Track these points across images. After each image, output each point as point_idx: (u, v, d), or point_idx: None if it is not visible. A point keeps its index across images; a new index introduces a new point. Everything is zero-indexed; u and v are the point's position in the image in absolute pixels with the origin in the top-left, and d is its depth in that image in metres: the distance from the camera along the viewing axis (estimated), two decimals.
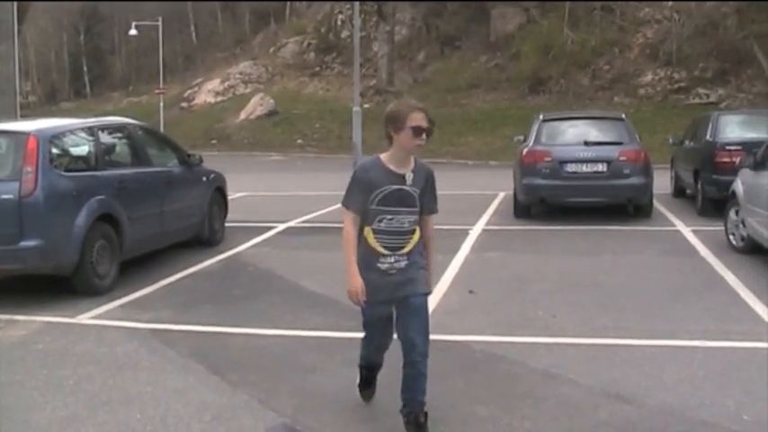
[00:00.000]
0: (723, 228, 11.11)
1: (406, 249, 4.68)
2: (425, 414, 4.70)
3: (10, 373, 6.22)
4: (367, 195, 4.61)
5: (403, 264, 4.67)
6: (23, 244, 8.04)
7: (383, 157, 4.69)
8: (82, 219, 8.49)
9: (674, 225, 13.20)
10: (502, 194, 17.42)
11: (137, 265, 9.87)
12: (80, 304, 8.28)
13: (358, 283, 4.58)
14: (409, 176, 4.67)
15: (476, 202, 16.64)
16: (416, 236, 4.72)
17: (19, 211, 8.02)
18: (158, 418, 5.25)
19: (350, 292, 4.61)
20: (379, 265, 4.66)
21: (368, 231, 4.65)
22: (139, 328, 7.47)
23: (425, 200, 4.76)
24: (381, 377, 5.92)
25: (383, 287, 4.66)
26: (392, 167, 4.64)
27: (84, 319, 7.83)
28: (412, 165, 4.72)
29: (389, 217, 4.62)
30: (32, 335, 7.28)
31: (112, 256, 9.01)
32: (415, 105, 4.67)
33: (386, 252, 4.65)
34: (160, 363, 6.45)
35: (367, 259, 4.66)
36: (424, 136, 4.59)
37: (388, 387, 5.78)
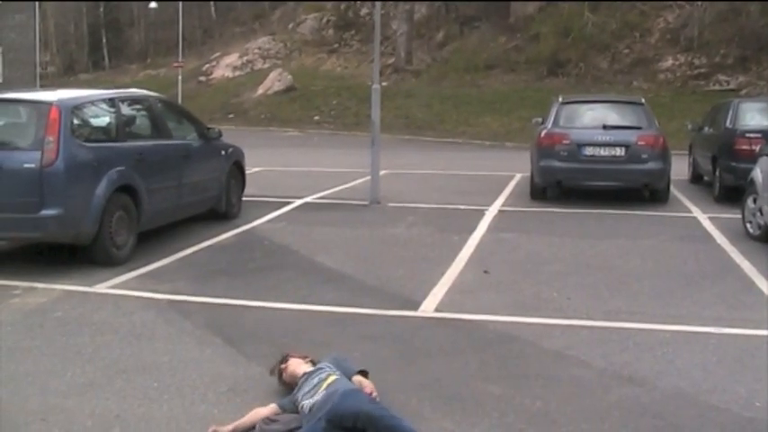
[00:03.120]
0: (740, 215, 11.09)
1: None
2: None
3: (29, 340, 6.32)
4: None
5: None
6: (44, 213, 8.10)
7: None
8: (101, 189, 8.54)
9: (690, 211, 13.18)
10: (518, 176, 17.43)
11: (154, 237, 9.95)
12: (98, 274, 8.35)
13: None
14: None
15: (492, 182, 16.65)
16: None
17: (40, 180, 8.09)
18: (175, 387, 5.33)
19: None
20: None
21: None
22: (156, 298, 7.54)
23: None
24: (388, 351, 6.02)
25: None
26: None
27: (102, 288, 7.91)
28: None
29: None
30: (51, 303, 7.36)
31: (130, 227, 9.08)
32: None
33: None
34: (176, 333, 6.53)
35: None
36: None
37: (398, 363, 5.86)
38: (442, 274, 8.61)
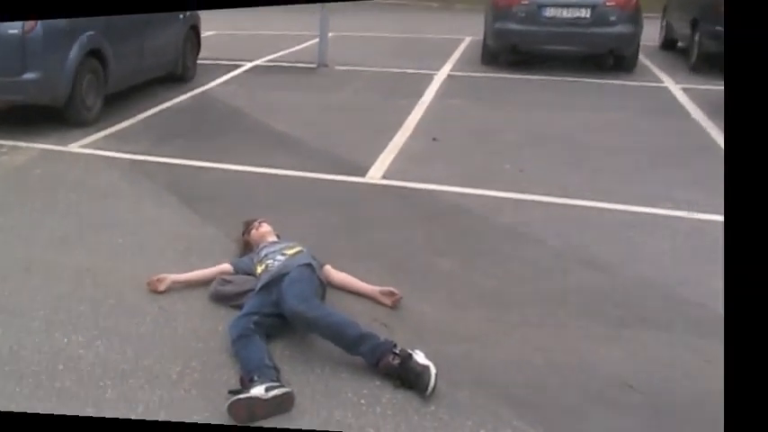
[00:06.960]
0: (720, 87, 9.01)
1: None
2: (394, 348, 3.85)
3: (16, 195, 6.79)
4: None
5: None
6: (26, 76, 8.45)
7: None
8: (74, 53, 8.81)
9: (661, 81, 12.10)
10: (468, 39, 16.76)
11: (118, 100, 10.13)
12: (71, 134, 8.73)
13: None
14: None
15: (440, 46, 15.99)
16: None
17: (23, 45, 8.37)
18: (137, 244, 5.54)
19: None
20: None
21: None
22: (121, 158, 7.84)
23: None
24: (336, 218, 6.15)
25: None
26: None
27: (75, 147, 8.27)
28: None
29: None
30: (31, 161, 7.76)
31: (98, 89, 9.40)
32: None
33: None
34: (138, 192, 6.76)
35: None
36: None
37: (346, 231, 5.91)
38: (390, 140, 8.38)
